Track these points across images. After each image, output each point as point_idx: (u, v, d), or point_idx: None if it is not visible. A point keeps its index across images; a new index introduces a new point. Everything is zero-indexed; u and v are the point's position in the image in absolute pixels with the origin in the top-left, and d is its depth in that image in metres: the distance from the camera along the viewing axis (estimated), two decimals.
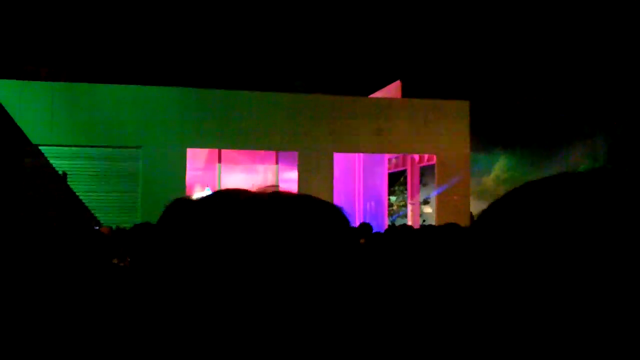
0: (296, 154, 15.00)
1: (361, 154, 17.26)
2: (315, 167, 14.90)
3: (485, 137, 25.19)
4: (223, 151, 15.33)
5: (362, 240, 5.53)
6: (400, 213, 18.48)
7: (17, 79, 14.64)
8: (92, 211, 13.61)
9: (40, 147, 13.65)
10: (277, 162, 15.85)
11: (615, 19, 25.13)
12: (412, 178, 17.42)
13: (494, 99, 27.23)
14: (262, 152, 15.47)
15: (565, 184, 0.64)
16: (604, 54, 25.21)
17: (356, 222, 12.19)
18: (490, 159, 26.78)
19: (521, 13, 28.24)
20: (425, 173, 18.90)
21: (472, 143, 16.29)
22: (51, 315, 2.17)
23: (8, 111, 13.43)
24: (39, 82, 15.09)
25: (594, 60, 25.36)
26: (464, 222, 11.54)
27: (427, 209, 19.27)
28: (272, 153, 15.67)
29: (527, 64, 27.47)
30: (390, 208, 20.16)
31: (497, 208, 0.68)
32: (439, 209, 15.37)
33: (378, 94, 17.99)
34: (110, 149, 14.06)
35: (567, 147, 25.19)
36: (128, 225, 7.53)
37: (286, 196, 0.93)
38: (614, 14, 25.26)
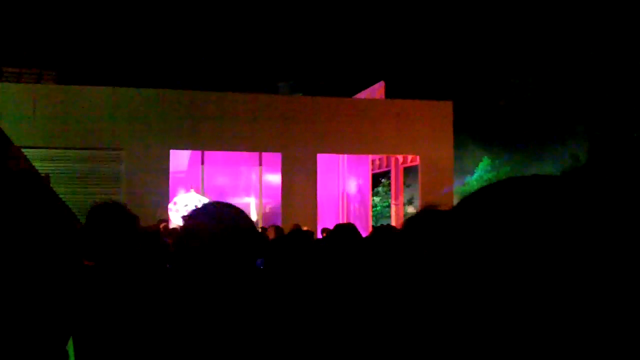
0: (280, 155, 14.98)
1: (345, 155, 17.27)
2: (298, 168, 14.88)
3: (469, 137, 25.32)
4: (206, 153, 15.27)
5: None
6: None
7: None
8: (76, 213, 13.50)
9: (22, 149, 13.53)
10: (260, 164, 15.81)
11: (604, 19, 25.35)
12: (395, 179, 17.45)
13: (478, 99, 27.38)
14: (246, 153, 15.42)
15: (523, 186, 0.66)
16: (589, 54, 25.41)
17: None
18: (473, 159, 26.90)
19: (504, 13, 28.42)
20: (409, 174, 18.95)
21: (455, 143, 16.34)
22: (48, 314, 2.16)
23: None
24: (22, 84, 14.99)
25: (580, 61, 25.55)
26: None
27: (411, 209, 19.31)
28: (256, 155, 15.63)
29: (510, 64, 27.63)
30: (374, 209, 20.17)
31: (457, 211, 0.70)
32: None
33: (361, 95, 18.01)
34: (92, 151, 13.97)
35: (551, 147, 25.35)
36: None
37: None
38: (602, 15, 25.48)
